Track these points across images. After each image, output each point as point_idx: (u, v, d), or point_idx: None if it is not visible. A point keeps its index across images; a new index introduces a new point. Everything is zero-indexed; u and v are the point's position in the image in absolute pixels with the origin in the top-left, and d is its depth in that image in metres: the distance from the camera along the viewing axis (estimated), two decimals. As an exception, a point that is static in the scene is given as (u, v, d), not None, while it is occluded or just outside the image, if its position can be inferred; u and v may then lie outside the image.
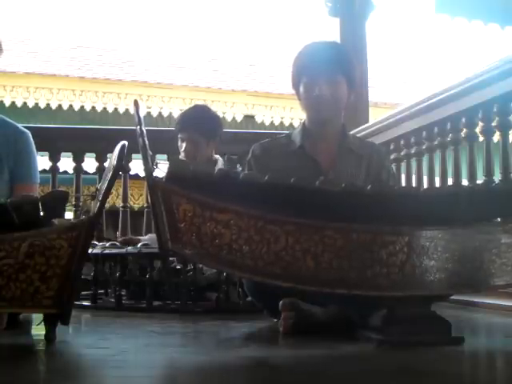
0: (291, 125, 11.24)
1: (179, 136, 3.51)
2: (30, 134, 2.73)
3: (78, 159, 4.50)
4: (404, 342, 1.93)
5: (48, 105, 10.71)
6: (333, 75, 2.52)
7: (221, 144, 3.67)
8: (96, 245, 3.46)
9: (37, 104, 10.67)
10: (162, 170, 1.90)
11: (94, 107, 10.89)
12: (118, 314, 3.10)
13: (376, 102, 9.04)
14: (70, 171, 4.59)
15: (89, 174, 5.44)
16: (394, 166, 4.00)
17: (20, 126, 2.76)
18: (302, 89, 2.56)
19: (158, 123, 10.13)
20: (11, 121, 2.76)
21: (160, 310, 3.11)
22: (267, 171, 2.23)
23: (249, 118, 11.40)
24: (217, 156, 3.63)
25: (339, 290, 1.93)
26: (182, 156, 3.50)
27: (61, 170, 4.54)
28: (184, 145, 3.48)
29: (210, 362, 1.82)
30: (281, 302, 2.25)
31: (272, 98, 11.60)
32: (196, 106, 3.94)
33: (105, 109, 10.91)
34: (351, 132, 3.21)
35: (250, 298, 2.79)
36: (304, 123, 2.65)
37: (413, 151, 4.06)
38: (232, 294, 3.14)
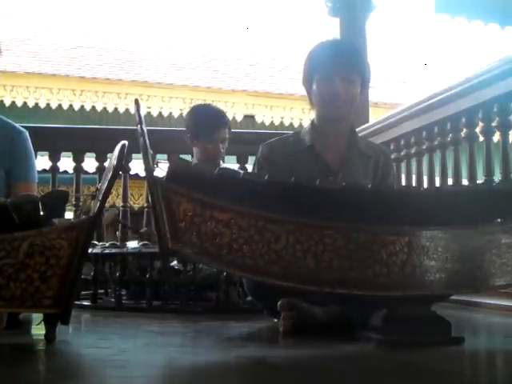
0: (291, 125, 11.25)
1: (204, 140, 3.48)
2: (27, 134, 2.73)
3: (78, 159, 4.50)
4: (404, 342, 1.93)
5: (48, 105, 10.71)
6: (348, 74, 2.50)
7: None
8: (96, 245, 3.46)
9: (37, 104, 10.67)
10: (162, 169, 1.90)
11: (94, 107, 10.89)
12: (118, 314, 3.10)
13: (376, 102, 9.05)
14: (70, 171, 4.59)
15: (89, 173, 5.43)
16: (394, 166, 4.00)
17: (18, 125, 2.75)
18: (315, 85, 2.54)
19: (158, 123, 10.13)
20: (9, 120, 2.76)
21: (160, 310, 3.11)
22: (276, 170, 2.22)
23: (249, 118, 11.41)
24: None
25: (339, 289, 1.92)
26: (201, 159, 3.47)
27: (61, 170, 4.53)
28: (218, 146, 3.48)
29: (210, 362, 1.82)
30: (279, 302, 2.24)
31: (272, 98, 11.61)
32: (208, 106, 3.89)
33: (105, 109, 10.91)
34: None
35: (250, 298, 2.79)
36: (313, 122, 2.64)
37: (413, 151, 4.06)
38: (232, 294, 3.14)
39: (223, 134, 3.51)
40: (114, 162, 2.00)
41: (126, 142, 2.03)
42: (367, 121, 4.79)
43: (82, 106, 10.87)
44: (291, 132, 2.89)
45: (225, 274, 3.04)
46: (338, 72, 2.49)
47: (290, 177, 1.97)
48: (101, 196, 2.02)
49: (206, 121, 3.50)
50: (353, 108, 2.57)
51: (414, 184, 4.08)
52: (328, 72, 2.50)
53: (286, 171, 2.38)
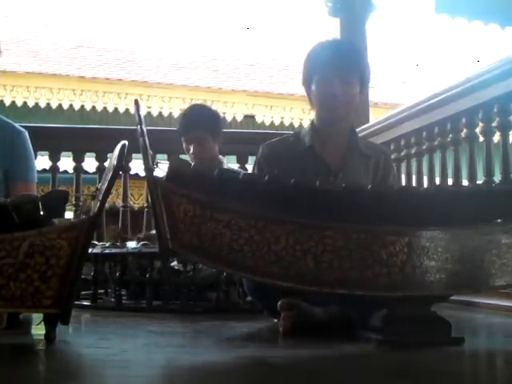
0: (291, 125, 11.26)
1: (183, 139, 3.46)
2: (27, 134, 2.73)
3: (78, 159, 4.50)
4: (404, 342, 1.93)
5: (48, 104, 10.73)
6: (347, 75, 2.49)
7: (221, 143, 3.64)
8: (96, 245, 3.46)
9: (37, 104, 10.69)
10: (162, 169, 1.90)
11: (94, 107, 10.90)
12: (118, 314, 3.09)
13: (376, 102, 9.06)
14: (70, 171, 4.59)
15: (89, 173, 5.43)
16: (394, 166, 4.00)
17: (17, 125, 2.75)
18: (314, 86, 2.53)
19: (158, 123, 10.13)
20: (8, 120, 2.75)
21: (160, 310, 3.10)
22: (276, 171, 2.22)
23: (249, 118, 11.42)
24: (220, 156, 3.60)
25: (339, 289, 1.92)
26: (189, 158, 3.46)
27: (61, 170, 4.53)
28: (191, 147, 3.41)
29: (210, 362, 1.82)
30: (279, 303, 2.24)
31: (272, 98, 11.62)
32: (194, 106, 3.89)
33: (105, 109, 10.93)
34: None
35: (249, 298, 2.79)
36: (313, 122, 2.64)
37: (413, 151, 4.06)
38: (232, 294, 3.14)
39: (198, 136, 3.39)
40: (114, 162, 2.00)
41: (126, 142, 2.03)
42: (367, 121, 4.79)
43: (82, 106, 10.89)
44: (291, 132, 2.88)
45: (225, 274, 3.04)
46: (337, 72, 2.48)
47: (290, 177, 1.97)
48: (101, 196, 2.02)
49: (185, 118, 3.50)
50: (352, 108, 2.57)
51: (414, 184, 4.08)
52: (327, 72, 2.50)
53: (285, 171, 2.38)
